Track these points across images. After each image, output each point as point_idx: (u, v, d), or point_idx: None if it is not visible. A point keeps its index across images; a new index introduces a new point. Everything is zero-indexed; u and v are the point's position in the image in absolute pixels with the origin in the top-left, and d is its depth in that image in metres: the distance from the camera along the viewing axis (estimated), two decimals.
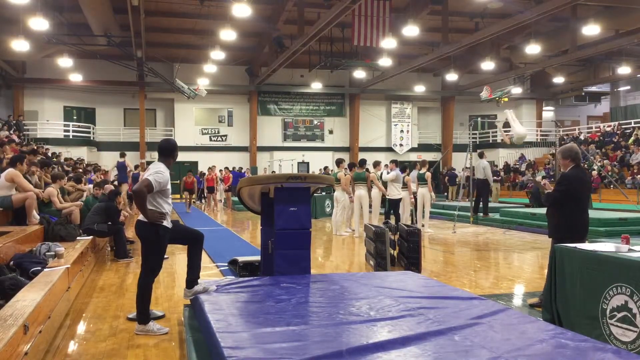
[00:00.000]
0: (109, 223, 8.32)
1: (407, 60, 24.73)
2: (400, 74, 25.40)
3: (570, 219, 4.98)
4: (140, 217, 4.54)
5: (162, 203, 4.56)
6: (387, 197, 11.81)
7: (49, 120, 25.76)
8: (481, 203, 14.16)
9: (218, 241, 10.28)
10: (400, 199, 11.69)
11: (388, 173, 11.95)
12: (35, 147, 16.75)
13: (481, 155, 13.80)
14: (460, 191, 19.45)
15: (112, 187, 9.85)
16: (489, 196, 14.31)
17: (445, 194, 25.59)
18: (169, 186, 4.63)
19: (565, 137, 27.96)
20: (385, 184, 11.96)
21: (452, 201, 20.16)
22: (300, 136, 29.49)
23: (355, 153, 28.23)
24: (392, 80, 26.95)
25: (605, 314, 3.93)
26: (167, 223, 4.59)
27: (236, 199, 10.85)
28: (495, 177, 21.05)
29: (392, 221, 10.55)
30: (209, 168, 21.27)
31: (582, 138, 26.20)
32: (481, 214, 14.08)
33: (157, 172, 4.51)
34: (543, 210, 12.59)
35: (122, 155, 18.90)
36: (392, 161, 12.26)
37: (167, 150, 4.72)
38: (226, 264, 7.53)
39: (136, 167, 20.43)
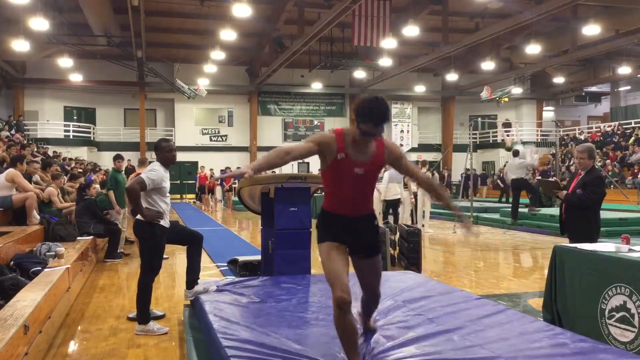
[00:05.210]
0: (96, 220, 8.17)
1: (407, 60, 24.71)
2: (400, 74, 25.38)
3: (598, 221, 5.00)
4: (139, 216, 4.58)
5: (157, 201, 4.57)
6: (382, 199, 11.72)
7: (49, 120, 25.76)
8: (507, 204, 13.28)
9: (218, 241, 10.27)
10: (398, 199, 11.66)
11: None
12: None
13: (516, 154, 13.34)
14: (460, 192, 19.44)
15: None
16: (537, 193, 13.14)
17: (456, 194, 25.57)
18: (166, 184, 4.63)
19: (565, 137, 27.98)
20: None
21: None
22: (300, 136, 29.43)
23: None
24: (392, 80, 26.93)
25: (604, 314, 3.93)
26: (164, 222, 4.60)
27: (236, 199, 10.85)
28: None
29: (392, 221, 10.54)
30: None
31: (583, 138, 26.18)
32: (533, 211, 12.57)
33: (151, 170, 4.57)
34: (543, 210, 12.72)
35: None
36: None
37: (156, 148, 4.74)
38: (226, 264, 7.54)
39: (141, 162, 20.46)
